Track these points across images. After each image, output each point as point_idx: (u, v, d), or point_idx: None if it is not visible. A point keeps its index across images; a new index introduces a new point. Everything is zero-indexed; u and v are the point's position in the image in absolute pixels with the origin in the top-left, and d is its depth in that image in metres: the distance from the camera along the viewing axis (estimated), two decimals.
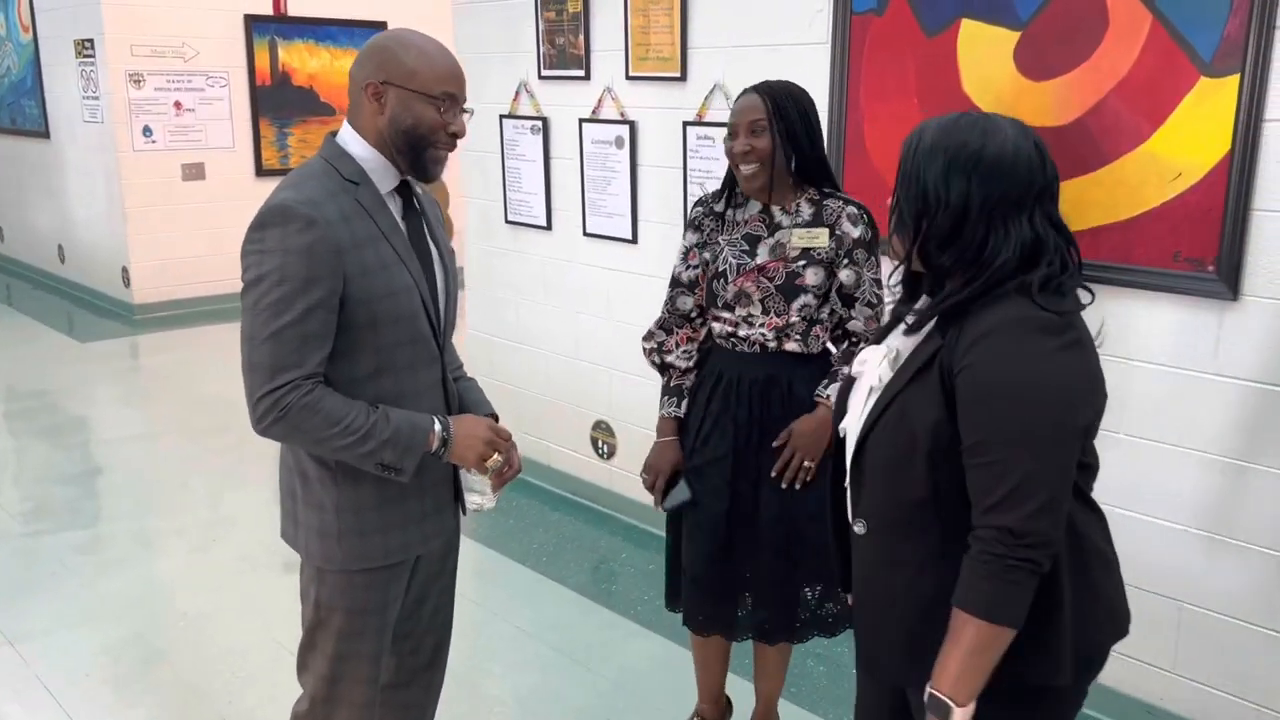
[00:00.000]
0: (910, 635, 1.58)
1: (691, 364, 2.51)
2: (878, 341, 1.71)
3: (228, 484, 4.75)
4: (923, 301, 1.64)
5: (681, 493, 2.48)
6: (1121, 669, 2.79)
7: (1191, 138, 2.47)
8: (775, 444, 2.38)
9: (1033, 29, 2.70)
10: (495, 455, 1.94)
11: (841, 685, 3.08)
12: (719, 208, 2.47)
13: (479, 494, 2.03)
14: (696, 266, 2.49)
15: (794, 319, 2.36)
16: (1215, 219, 2.46)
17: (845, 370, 1.74)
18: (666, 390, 2.54)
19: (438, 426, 1.88)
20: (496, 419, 2.08)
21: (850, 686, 3.06)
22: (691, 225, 2.50)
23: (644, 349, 2.57)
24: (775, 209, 2.40)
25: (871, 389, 1.63)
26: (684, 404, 2.51)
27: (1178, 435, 2.64)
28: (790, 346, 2.38)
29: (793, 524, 2.40)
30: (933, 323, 1.57)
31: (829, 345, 2.45)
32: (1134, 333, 2.65)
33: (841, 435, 1.74)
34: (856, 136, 3.12)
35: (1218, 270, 2.48)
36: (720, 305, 2.42)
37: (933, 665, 1.50)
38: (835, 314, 2.42)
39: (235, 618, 3.48)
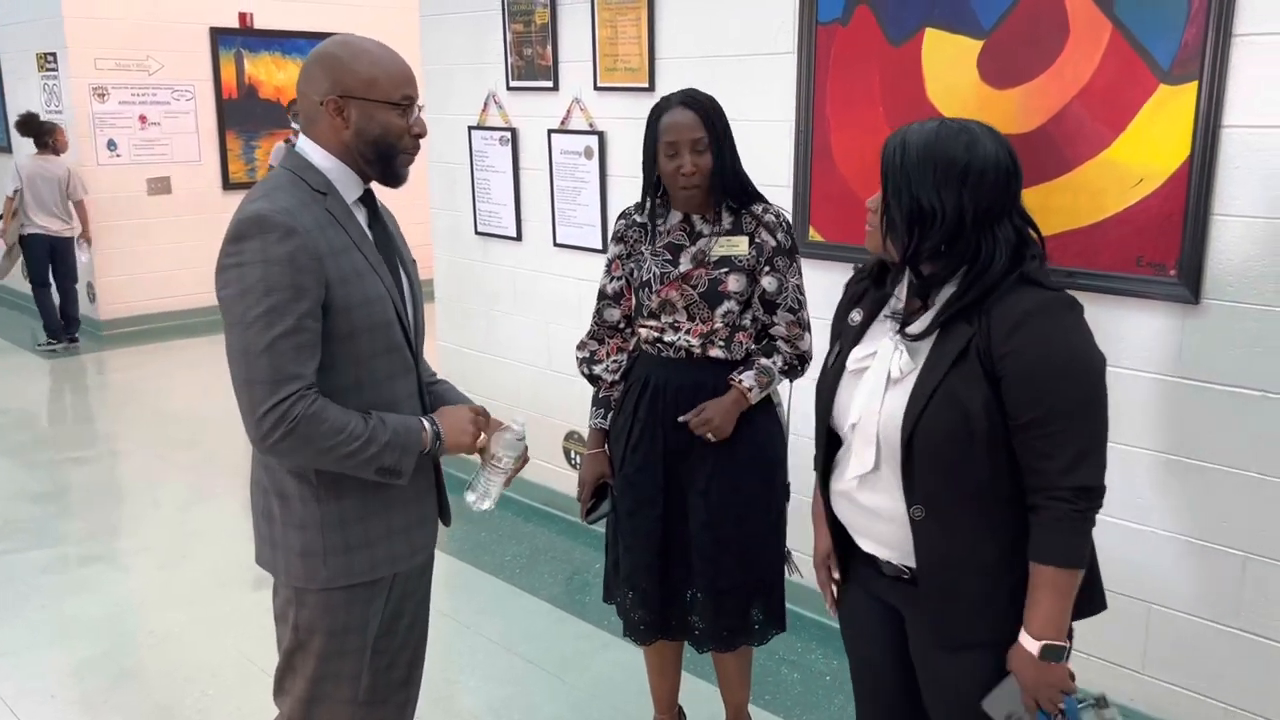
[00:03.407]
0: (978, 600, 1.69)
1: (618, 377, 2.56)
2: (856, 339, 1.77)
3: (196, 500, 4.70)
4: (919, 311, 1.70)
5: (606, 506, 2.57)
6: (1092, 670, 2.81)
7: (1152, 144, 2.51)
8: (682, 418, 2.39)
9: (996, 38, 2.73)
10: (482, 435, 1.97)
11: (815, 692, 3.08)
12: (641, 218, 2.51)
13: (487, 492, 2.01)
14: (620, 278, 2.54)
15: (718, 325, 2.40)
16: (1176, 224, 2.50)
17: (829, 364, 1.83)
18: (595, 401, 2.60)
19: (427, 424, 1.90)
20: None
21: (823, 693, 3.08)
22: (616, 238, 2.55)
23: (577, 358, 2.63)
24: (696, 218, 2.44)
25: (893, 379, 1.68)
26: (609, 416, 2.56)
27: (1143, 438, 2.67)
28: (715, 353, 2.42)
29: (720, 531, 2.42)
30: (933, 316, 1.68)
31: (753, 350, 2.47)
32: (1099, 337, 2.65)
33: (832, 428, 1.80)
34: (823, 145, 3.14)
35: (1179, 274, 2.51)
36: (646, 314, 2.46)
37: (997, 623, 1.66)
38: (758, 320, 2.45)
39: (205, 635, 3.44)
